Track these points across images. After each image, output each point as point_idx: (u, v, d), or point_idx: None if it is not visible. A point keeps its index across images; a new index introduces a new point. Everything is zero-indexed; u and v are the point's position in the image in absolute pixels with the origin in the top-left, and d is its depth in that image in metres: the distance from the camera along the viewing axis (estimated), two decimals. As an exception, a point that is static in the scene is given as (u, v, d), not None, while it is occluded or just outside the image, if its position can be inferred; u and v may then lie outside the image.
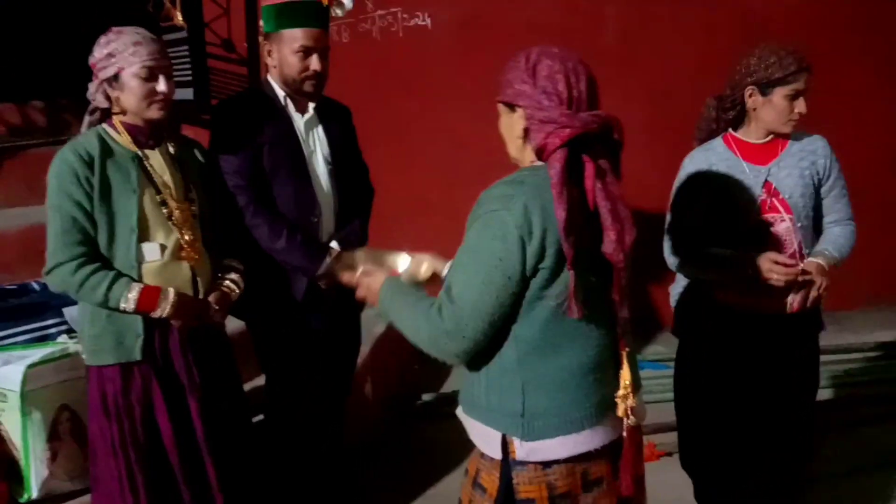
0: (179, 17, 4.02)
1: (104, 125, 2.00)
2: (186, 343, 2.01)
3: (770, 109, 2.05)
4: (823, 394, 3.01)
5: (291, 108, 2.28)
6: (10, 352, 2.35)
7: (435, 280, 1.66)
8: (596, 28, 4.03)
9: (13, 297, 2.66)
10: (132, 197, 1.92)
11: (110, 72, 1.92)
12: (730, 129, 2.16)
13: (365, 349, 3.02)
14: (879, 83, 4.07)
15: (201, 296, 2.02)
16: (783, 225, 2.06)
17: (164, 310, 1.92)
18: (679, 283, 2.28)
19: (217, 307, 2.04)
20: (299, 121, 2.29)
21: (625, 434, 1.47)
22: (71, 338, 2.44)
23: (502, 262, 1.35)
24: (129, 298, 1.89)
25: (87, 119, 2.02)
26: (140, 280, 1.92)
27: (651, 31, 4.04)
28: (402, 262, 1.73)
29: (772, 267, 1.96)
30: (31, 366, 2.23)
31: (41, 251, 1.93)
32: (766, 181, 2.07)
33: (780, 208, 2.06)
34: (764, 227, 2.06)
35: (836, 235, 2.12)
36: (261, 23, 2.27)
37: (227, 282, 2.10)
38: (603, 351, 1.46)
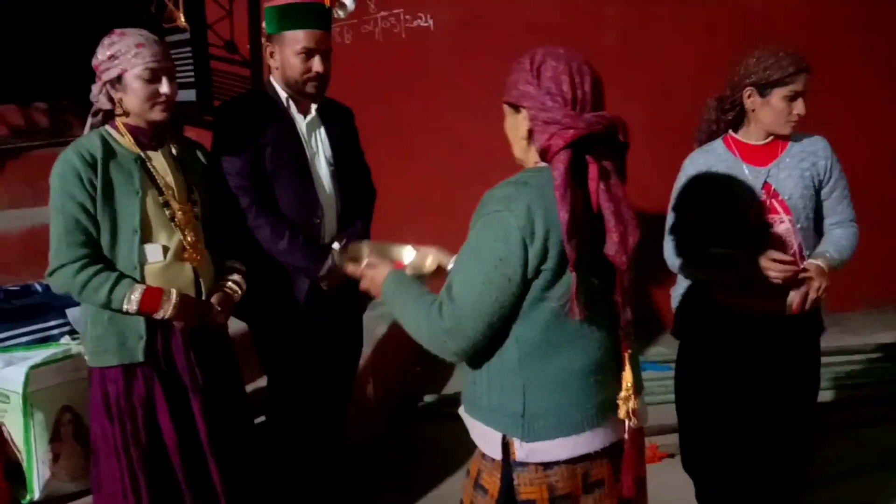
0: (182, 19, 4.02)
1: (107, 127, 2.00)
2: (189, 344, 2.01)
3: (768, 111, 2.05)
4: (825, 395, 3.02)
5: (294, 109, 2.29)
6: (13, 353, 2.36)
7: (440, 273, 1.65)
8: (596, 28, 4.03)
9: (16, 298, 2.67)
10: (135, 198, 1.93)
11: (113, 73, 1.92)
12: (730, 131, 2.16)
13: (367, 350, 3.02)
14: (879, 83, 4.07)
15: (204, 297, 2.03)
16: (783, 226, 2.06)
17: (166, 311, 1.92)
18: (680, 285, 2.28)
19: (219, 308, 2.05)
20: (301, 122, 2.29)
21: (626, 436, 1.46)
22: (73, 339, 2.44)
23: (503, 262, 1.36)
24: (132, 300, 1.89)
25: (89, 120, 2.02)
26: (143, 281, 1.92)
27: (651, 31, 4.05)
28: (408, 254, 1.73)
29: (769, 264, 1.95)
30: (33, 367, 2.24)
31: (44, 252, 1.93)
32: (765, 182, 2.07)
33: (780, 209, 2.06)
34: (764, 229, 2.06)
35: (838, 237, 2.11)
36: (263, 24, 2.28)
37: (230, 283, 2.10)
38: (605, 353, 1.45)
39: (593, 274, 1.40)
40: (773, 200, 2.06)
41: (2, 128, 3.99)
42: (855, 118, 3.92)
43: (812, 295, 2.00)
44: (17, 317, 2.54)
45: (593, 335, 1.43)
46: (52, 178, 1.91)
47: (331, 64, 2.26)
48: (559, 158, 1.34)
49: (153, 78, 1.93)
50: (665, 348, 3.89)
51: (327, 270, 2.23)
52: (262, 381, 2.56)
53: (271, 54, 2.27)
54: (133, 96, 1.93)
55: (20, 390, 2.22)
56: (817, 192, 2.10)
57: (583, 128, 1.35)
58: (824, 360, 2.27)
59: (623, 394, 1.45)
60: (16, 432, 2.26)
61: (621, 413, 1.45)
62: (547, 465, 1.42)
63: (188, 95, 4.07)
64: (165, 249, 1.96)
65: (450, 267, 1.64)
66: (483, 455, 1.50)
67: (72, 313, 2.52)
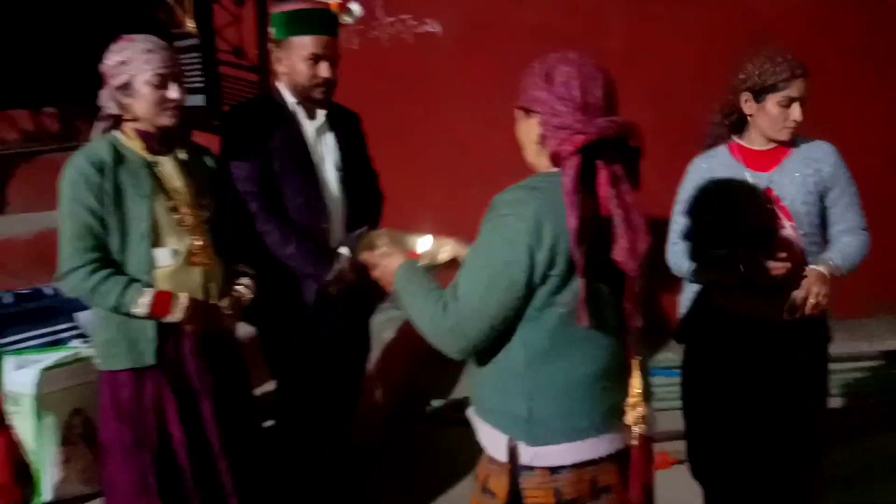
0: (190, 25, 4.05)
1: (115, 132, 2.01)
2: (198, 348, 2.02)
3: (765, 116, 2.05)
4: (833, 401, 3.00)
5: (301, 114, 2.30)
6: (24, 356, 2.37)
7: (454, 265, 1.65)
8: (599, 31, 4.03)
9: (26, 301, 2.69)
10: (144, 203, 1.94)
11: (122, 79, 1.93)
12: (733, 136, 2.16)
13: (374, 354, 3.02)
14: (880, 83, 4.05)
15: (213, 301, 2.04)
16: (785, 232, 2.05)
17: (176, 315, 1.93)
18: (689, 290, 2.28)
19: (229, 312, 2.06)
20: (309, 127, 2.30)
21: (634, 442, 1.46)
22: (83, 342, 2.46)
23: (507, 266, 1.36)
24: (142, 303, 1.90)
25: (98, 126, 2.04)
26: (152, 285, 1.93)
27: (652, 33, 4.04)
28: (423, 244, 1.73)
29: (769, 263, 1.95)
30: (44, 370, 2.25)
31: (53, 256, 1.95)
32: (767, 188, 2.06)
33: (782, 215, 2.05)
34: (766, 234, 2.05)
35: (845, 245, 2.08)
36: (271, 30, 2.29)
37: (239, 287, 2.11)
38: (612, 359, 1.45)
39: (602, 280, 1.40)
40: (776, 206, 2.06)
41: (12, 132, 4.02)
42: (855, 119, 3.89)
43: (811, 300, 1.97)
44: (28, 320, 2.56)
45: (601, 341, 1.43)
46: (62, 184, 1.92)
47: (338, 70, 2.27)
48: (570, 163, 1.34)
49: (162, 83, 1.94)
50: (674, 354, 3.86)
51: (335, 275, 2.24)
52: (271, 385, 2.57)
53: (278, 60, 2.28)
54: (142, 101, 1.95)
55: (31, 392, 2.23)
56: (822, 198, 2.08)
57: (594, 133, 1.34)
58: (832, 366, 2.26)
59: (631, 400, 1.44)
60: (27, 434, 2.28)
61: (629, 419, 1.44)
62: (554, 470, 1.42)
63: (196, 101, 4.09)
64: (175, 253, 1.97)
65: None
66: (490, 459, 1.50)
67: (82, 317, 2.54)
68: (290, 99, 2.29)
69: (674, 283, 2.30)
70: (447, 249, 1.69)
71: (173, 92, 1.96)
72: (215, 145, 2.28)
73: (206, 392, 2.03)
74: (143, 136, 2.00)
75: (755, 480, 2.16)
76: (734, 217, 2.08)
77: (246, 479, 2.10)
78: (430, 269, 1.61)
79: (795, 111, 2.02)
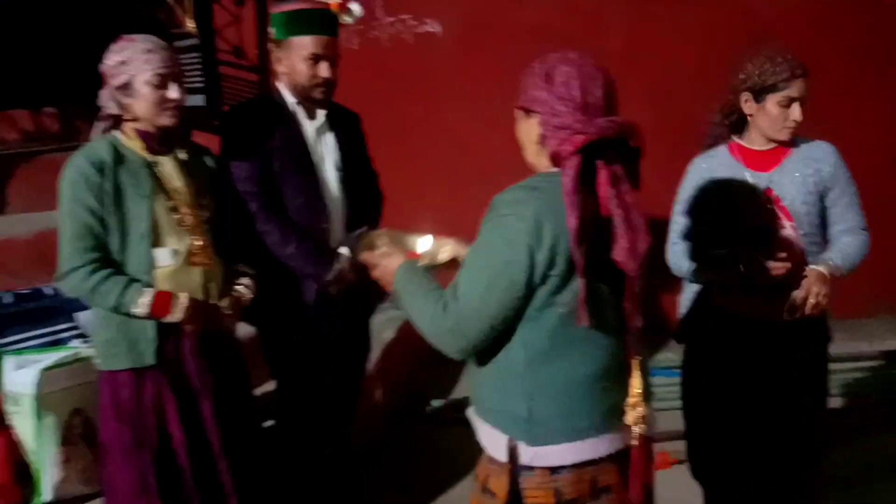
0: (190, 25, 4.05)
1: (115, 132, 2.02)
2: (198, 348, 2.02)
3: (765, 116, 2.05)
4: (833, 401, 3.00)
5: (301, 114, 2.30)
6: (24, 356, 2.37)
7: (454, 265, 1.65)
8: (600, 30, 4.03)
9: (26, 301, 2.69)
10: (144, 203, 1.94)
11: (122, 79, 1.93)
12: (734, 136, 2.16)
13: (374, 354, 3.02)
14: (880, 83, 4.05)
15: (213, 301, 2.04)
16: (785, 232, 2.05)
17: (176, 315, 1.93)
18: (689, 290, 2.28)
19: (229, 312, 2.06)
20: (309, 127, 2.30)
21: (634, 442, 1.46)
22: (83, 342, 2.46)
23: (507, 266, 1.36)
24: (142, 303, 1.90)
25: (98, 126, 2.04)
26: (152, 285, 1.94)
27: (652, 33, 4.04)
28: (424, 244, 1.73)
29: (764, 262, 1.95)
30: (44, 370, 2.25)
31: (54, 256, 1.95)
32: (767, 188, 2.06)
33: (782, 215, 2.05)
34: (766, 234, 2.05)
35: (845, 245, 2.08)
36: (271, 30, 2.29)
37: (239, 286, 2.11)
38: (612, 359, 1.45)
39: (602, 280, 1.40)
40: (776, 206, 2.06)
41: (12, 132, 4.02)
42: (855, 119, 3.89)
43: (811, 300, 1.97)
44: (28, 320, 2.56)
45: (601, 341, 1.43)
46: (62, 184, 1.92)
47: (338, 70, 2.27)
48: (569, 164, 1.34)
49: (162, 83, 1.94)
50: (674, 354, 3.86)
51: (335, 275, 2.24)
52: (271, 385, 2.57)
53: (278, 60, 2.28)
54: (142, 101, 1.95)
55: (32, 392, 2.24)
56: (822, 198, 2.08)
57: (593, 133, 1.34)
58: (833, 366, 2.26)
59: (631, 400, 1.44)
60: (27, 434, 2.28)
61: (629, 419, 1.44)
62: (554, 470, 1.42)
63: (196, 101, 4.10)
64: (175, 253, 1.97)
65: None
66: (490, 459, 1.50)
67: (82, 317, 2.54)
68: (290, 99, 2.29)
69: (674, 283, 2.30)
70: (447, 249, 1.69)
71: (173, 92, 1.96)
72: (215, 145, 2.28)
73: (206, 392, 2.03)
74: (143, 136, 2.00)
75: (755, 480, 2.16)
76: (734, 217, 2.08)
77: (246, 479, 2.11)
78: (430, 269, 1.61)
79: (795, 111, 2.02)
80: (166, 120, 1.98)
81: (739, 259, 1.99)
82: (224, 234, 2.12)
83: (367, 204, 2.43)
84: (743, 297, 2.07)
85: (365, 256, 1.68)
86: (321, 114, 2.31)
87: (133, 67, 1.92)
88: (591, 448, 1.43)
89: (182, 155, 2.07)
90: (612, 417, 1.45)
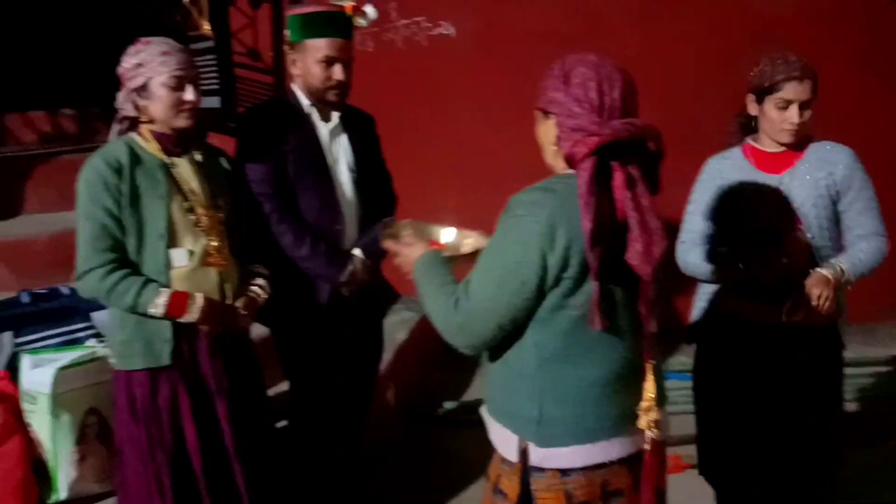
0: (206, 27, 4.08)
1: (132, 134, 2.03)
2: (214, 348, 2.03)
3: (765, 118, 2.05)
4: (850, 406, 2.97)
5: (316, 116, 2.31)
6: (41, 355, 2.40)
7: (477, 258, 1.66)
8: (611, 34, 4.01)
9: (43, 301, 2.71)
10: (161, 204, 1.96)
11: (139, 81, 1.95)
12: (748, 138, 2.15)
13: (387, 356, 3.03)
14: (880, 84, 4.00)
15: (228, 301, 2.05)
16: (791, 234, 2.03)
17: (192, 315, 1.95)
18: (702, 292, 2.27)
19: (244, 312, 2.07)
20: (323, 129, 2.31)
21: (647, 446, 1.45)
22: (99, 342, 2.48)
23: (518, 267, 1.36)
24: (158, 304, 1.91)
25: (115, 127, 2.06)
26: (168, 285, 1.95)
27: (664, 38, 4.02)
28: (447, 235, 1.75)
29: (764, 261, 1.94)
30: (61, 369, 2.28)
31: (71, 256, 1.96)
32: (778, 190, 2.05)
33: (790, 218, 2.03)
34: (776, 237, 2.03)
35: (857, 250, 2.04)
36: (286, 32, 2.30)
37: (254, 287, 2.12)
38: (625, 363, 1.44)
39: (616, 283, 1.39)
40: (785, 208, 2.04)
41: (31, 134, 4.07)
42: (857, 119, 3.84)
43: (812, 302, 1.95)
44: (45, 319, 2.58)
45: (614, 345, 1.42)
46: (79, 185, 1.94)
47: (352, 72, 2.28)
48: (584, 166, 1.34)
49: (178, 85, 1.96)
50: (687, 357, 3.84)
51: (348, 276, 2.25)
52: (284, 386, 2.58)
53: (293, 62, 2.29)
54: (158, 103, 1.97)
55: (48, 391, 2.26)
56: (834, 202, 2.05)
57: (608, 135, 1.34)
58: (848, 370, 2.24)
59: (644, 404, 1.44)
60: (43, 432, 2.30)
61: (642, 423, 1.44)
62: (564, 472, 1.42)
63: (212, 102, 4.12)
64: (191, 254, 1.98)
65: None
66: (502, 459, 1.50)
67: (98, 317, 2.56)
68: (304, 101, 2.30)
69: (688, 285, 2.29)
70: (470, 242, 1.70)
71: (189, 94, 1.97)
72: (230, 147, 2.30)
73: (221, 393, 2.04)
74: (160, 137, 2.02)
75: (762, 482, 2.15)
76: (741, 218, 2.08)
77: (259, 479, 2.11)
78: (452, 260, 1.62)
79: (792, 113, 2.00)
80: (182, 122, 2.00)
81: (739, 257, 1.98)
82: (239, 234, 2.13)
83: (380, 205, 2.44)
84: (746, 298, 2.06)
85: (388, 245, 1.69)
86: (335, 116, 2.32)
87: (150, 70, 1.94)
88: (601, 451, 1.42)
89: (198, 156, 2.09)
90: (624, 421, 1.44)
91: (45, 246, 3.21)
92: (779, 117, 2.01)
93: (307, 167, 2.26)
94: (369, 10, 2.34)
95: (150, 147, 2.01)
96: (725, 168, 2.13)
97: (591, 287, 1.35)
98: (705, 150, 2.24)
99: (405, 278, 1.62)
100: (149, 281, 1.93)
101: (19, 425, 2.30)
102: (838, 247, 2.10)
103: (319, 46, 2.21)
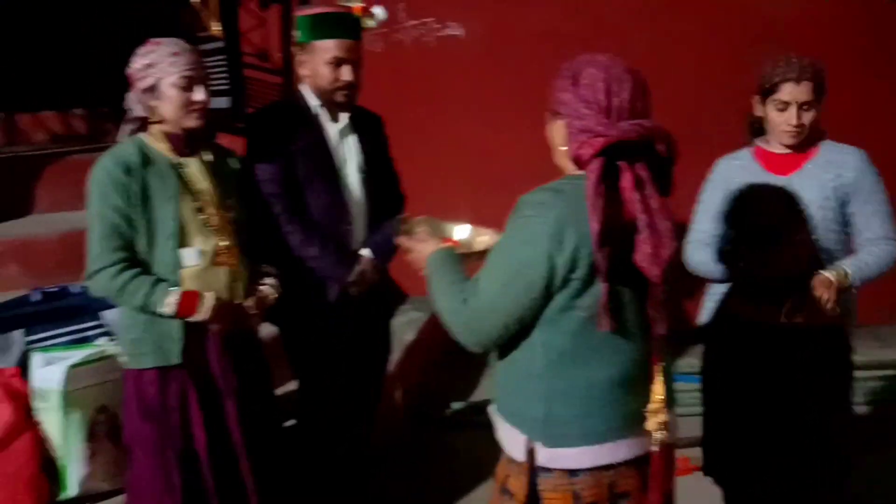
0: (216, 28, 4.09)
1: (142, 134, 2.04)
2: (223, 347, 2.04)
3: (767, 120, 2.04)
4: (860, 410, 2.95)
5: (324, 117, 2.31)
6: (52, 353, 2.41)
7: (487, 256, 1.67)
8: (620, 36, 4.00)
9: (54, 299, 2.73)
10: (171, 203, 1.97)
11: (149, 82, 1.96)
12: (756, 140, 2.15)
13: (395, 356, 3.03)
14: (881, 84, 3.97)
15: (238, 300, 2.06)
16: (800, 236, 2.03)
17: (202, 314, 1.96)
18: (710, 294, 2.27)
19: (254, 312, 2.08)
20: (332, 130, 2.32)
21: (655, 448, 1.45)
22: (109, 340, 2.50)
23: (525, 268, 1.36)
24: (169, 303, 1.92)
25: (125, 128, 2.07)
26: (179, 285, 1.96)
27: (680, 42, 4.00)
28: (461, 232, 1.76)
29: (763, 260, 1.93)
30: (71, 366, 2.29)
31: (82, 255, 1.98)
32: (785, 191, 2.04)
33: (796, 219, 2.03)
34: (782, 237, 2.03)
35: (865, 253, 2.02)
36: (295, 33, 2.31)
37: (264, 286, 2.13)
38: (633, 364, 1.44)
39: (625, 284, 1.39)
40: (792, 209, 2.03)
41: (40, 133, 4.09)
42: (858, 120, 3.82)
43: (815, 305, 1.94)
44: (55, 317, 2.61)
45: (622, 346, 1.42)
46: (90, 185, 1.95)
47: (361, 73, 2.28)
48: (591, 167, 1.34)
49: (187, 86, 1.96)
50: (695, 359, 3.82)
51: (357, 276, 2.25)
52: (293, 385, 2.59)
53: (302, 63, 2.30)
54: (168, 104, 1.98)
55: (59, 389, 2.27)
56: (843, 204, 2.04)
57: (615, 136, 1.33)
58: (858, 374, 2.22)
59: (653, 406, 1.43)
60: (53, 430, 2.32)
61: (650, 425, 1.43)
62: (572, 472, 1.42)
63: (221, 103, 4.13)
64: (201, 254, 1.99)
65: None
66: (509, 459, 1.50)
67: (109, 316, 2.58)
68: (313, 102, 2.30)
69: (697, 287, 2.29)
70: (483, 239, 1.70)
71: (199, 94, 1.98)
72: (240, 147, 2.30)
73: (230, 392, 2.05)
74: (170, 137, 2.03)
75: (767, 484, 2.14)
76: (749, 219, 2.07)
77: (267, 478, 2.12)
78: (465, 257, 1.63)
79: (790, 115, 1.99)
80: (192, 122, 2.00)
81: (739, 256, 1.98)
82: (249, 234, 2.14)
83: (389, 205, 2.44)
84: (746, 298, 2.05)
85: (402, 240, 1.70)
86: (344, 116, 2.33)
87: (159, 70, 1.95)
88: (608, 452, 1.42)
89: (207, 156, 2.10)
90: (632, 422, 1.44)
91: (55, 245, 3.23)
92: (778, 118, 2.01)
93: (316, 168, 2.26)
94: (378, 11, 2.34)
95: (160, 147, 2.02)
96: (734, 169, 2.13)
97: (599, 288, 1.35)
98: (705, 151, 2.23)
99: (413, 279, 1.62)
100: (159, 280, 1.94)
101: (30, 423, 2.32)
102: (847, 249, 2.08)
103: (328, 47, 2.22)
